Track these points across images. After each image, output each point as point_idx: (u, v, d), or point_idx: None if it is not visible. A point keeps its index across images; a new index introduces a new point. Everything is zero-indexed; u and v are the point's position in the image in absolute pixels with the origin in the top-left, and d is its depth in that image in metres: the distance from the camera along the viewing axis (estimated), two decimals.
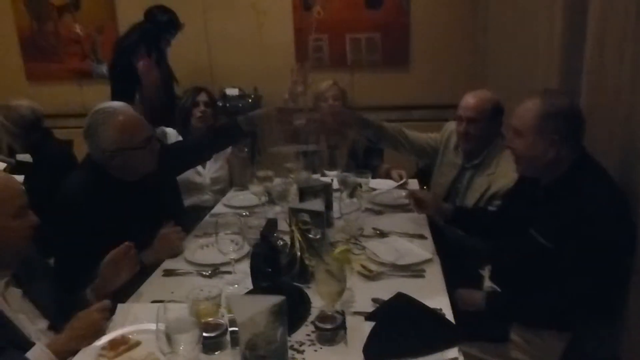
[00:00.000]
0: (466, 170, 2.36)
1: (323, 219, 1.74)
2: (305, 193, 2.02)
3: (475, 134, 2.23)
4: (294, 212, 1.71)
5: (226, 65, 4.20)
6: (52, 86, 4.36)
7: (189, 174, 2.63)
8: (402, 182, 2.69)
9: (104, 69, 4.19)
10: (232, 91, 4.03)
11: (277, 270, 1.47)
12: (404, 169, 2.84)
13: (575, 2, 2.09)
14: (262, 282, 1.42)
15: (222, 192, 2.76)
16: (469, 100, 2.23)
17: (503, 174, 2.15)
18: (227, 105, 3.96)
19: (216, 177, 2.81)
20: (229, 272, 1.72)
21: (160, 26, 3.42)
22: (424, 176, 2.78)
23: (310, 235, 1.63)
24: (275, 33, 4.13)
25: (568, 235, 1.52)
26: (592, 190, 1.53)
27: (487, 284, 1.86)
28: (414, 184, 2.69)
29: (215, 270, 1.74)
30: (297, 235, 1.60)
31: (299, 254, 1.58)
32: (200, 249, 1.93)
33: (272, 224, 1.53)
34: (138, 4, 3.58)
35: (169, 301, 1.45)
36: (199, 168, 2.74)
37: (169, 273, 1.74)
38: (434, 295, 1.52)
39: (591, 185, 1.55)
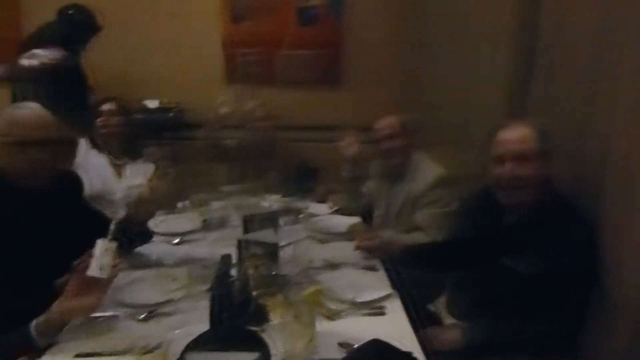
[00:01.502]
0: (392, 185, 2.45)
1: (277, 252, 1.58)
2: (250, 222, 1.84)
3: (396, 148, 2.35)
4: (244, 245, 1.54)
5: (147, 75, 3.89)
6: None
7: (99, 187, 2.43)
8: (335, 208, 2.61)
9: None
10: (152, 103, 3.73)
11: (233, 314, 1.29)
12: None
13: (523, 30, 2.15)
14: (223, 328, 1.23)
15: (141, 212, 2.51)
16: (384, 122, 2.40)
17: (420, 178, 2.30)
18: (147, 118, 3.66)
19: (130, 193, 2.52)
20: (167, 314, 1.49)
21: (75, 27, 3.09)
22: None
23: (265, 272, 1.47)
24: (202, 45, 3.91)
25: (544, 260, 1.49)
26: (564, 215, 1.54)
27: (447, 320, 1.80)
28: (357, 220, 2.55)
29: (152, 313, 1.50)
30: (251, 271, 1.43)
31: (254, 293, 1.41)
32: (128, 285, 1.67)
33: (227, 260, 1.35)
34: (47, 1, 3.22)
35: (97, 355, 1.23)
36: (112, 181, 2.52)
37: (89, 320, 1.47)
38: (400, 335, 1.40)
39: (562, 210, 1.56)
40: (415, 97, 3.64)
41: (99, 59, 3.40)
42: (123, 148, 2.60)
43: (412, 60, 3.79)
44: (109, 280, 1.40)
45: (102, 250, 1.34)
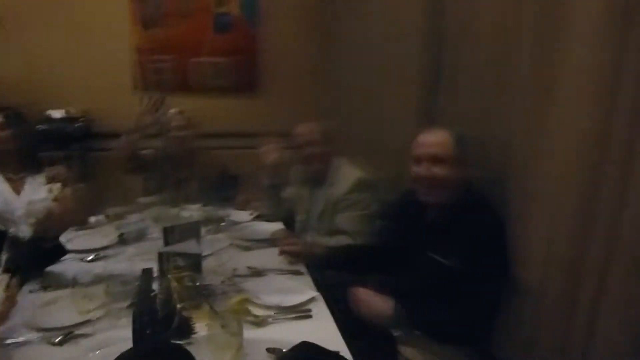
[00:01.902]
0: (313, 191, 2.49)
1: (200, 263, 1.56)
2: (171, 233, 1.79)
3: (316, 154, 2.39)
4: (166, 257, 1.50)
5: (50, 84, 3.66)
6: None
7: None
8: (255, 215, 2.62)
9: None
10: (57, 113, 3.51)
11: (157, 329, 1.26)
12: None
13: (432, 36, 2.28)
14: (146, 344, 1.19)
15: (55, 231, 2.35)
16: (303, 128, 2.43)
17: (340, 182, 2.35)
18: (52, 129, 3.44)
19: (32, 209, 2.33)
20: (85, 335, 1.42)
21: None
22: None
23: (190, 283, 1.44)
24: (110, 51, 3.74)
25: (466, 252, 1.62)
26: (481, 212, 1.68)
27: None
28: (279, 226, 2.55)
29: (68, 335, 1.42)
30: (174, 283, 1.40)
31: (178, 305, 1.38)
32: (41, 307, 1.56)
33: (148, 274, 1.31)
34: None
35: None
36: (10, 197, 2.32)
37: (4, 344, 1.36)
38: (327, 336, 1.44)
39: (478, 207, 1.70)
40: (330, 104, 3.73)
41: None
42: (20, 162, 2.39)
43: (326, 67, 3.87)
44: (3, 313, 1.28)
45: None
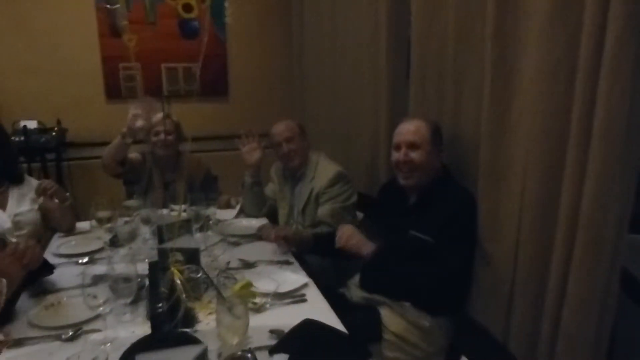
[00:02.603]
0: (294, 185, 2.59)
1: (198, 256, 1.64)
2: (165, 231, 1.87)
3: (294, 150, 2.49)
4: (166, 252, 1.57)
5: (20, 94, 3.64)
6: None
7: None
8: (237, 208, 2.71)
9: None
10: (30, 123, 3.50)
11: (165, 319, 1.34)
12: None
13: (397, 34, 2.42)
14: (163, 330, 1.28)
15: (34, 238, 2.35)
16: (279, 126, 2.53)
17: (320, 176, 2.46)
18: (26, 139, 3.42)
19: (19, 220, 2.29)
20: (94, 331, 1.49)
21: None
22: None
23: (192, 275, 1.52)
24: (79, 60, 3.75)
25: (444, 228, 1.79)
26: (456, 193, 1.88)
27: (359, 294, 1.98)
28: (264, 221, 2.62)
29: (78, 331, 1.48)
30: (178, 276, 1.48)
31: (183, 296, 1.46)
32: (45, 309, 1.62)
33: (156, 266, 1.39)
34: None
35: None
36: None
37: (15, 344, 1.42)
38: (322, 317, 1.55)
39: (454, 189, 1.90)
40: (300, 103, 3.83)
41: None
42: (1, 174, 2.31)
43: (293, 68, 3.99)
44: None
45: None
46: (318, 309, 1.63)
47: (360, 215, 2.47)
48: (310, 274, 1.94)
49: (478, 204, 1.81)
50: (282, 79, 4.12)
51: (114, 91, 3.90)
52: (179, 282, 1.47)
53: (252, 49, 4.12)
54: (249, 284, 1.46)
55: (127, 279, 1.59)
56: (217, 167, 3.08)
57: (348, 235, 1.94)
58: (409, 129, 1.94)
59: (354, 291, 2.00)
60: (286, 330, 1.44)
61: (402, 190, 2.01)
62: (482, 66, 1.75)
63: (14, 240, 2.22)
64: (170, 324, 1.34)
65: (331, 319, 1.55)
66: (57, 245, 2.22)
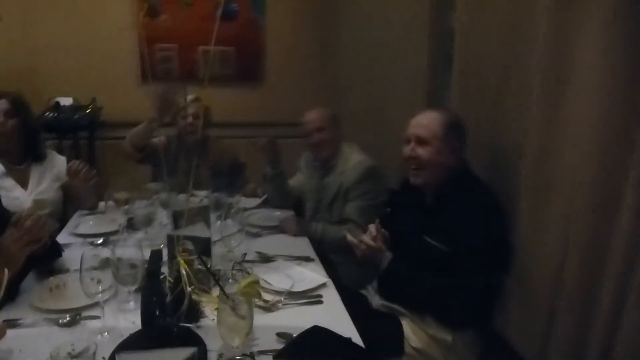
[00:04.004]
0: (323, 177, 2.46)
1: (209, 246, 1.54)
2: (180, 217, 1.77)
3: (325, 140, 2.37)
4: (175, 240, 1.47)
5: (57, 71, 3.64)
6: None
7: (3, 199, 1.97)
8: (263, 198, 2.60)
9: None
10: (65, 101, 3.49)
11: (165, 311, 1.23)
12: None
13: (441, 24, 2.24)
14: (154, 327, 1.17)
15: (54, 216, 2.32)
16: (311, 114, 2.41)
17: (351, 170, 2.31)
18: (60, 116, 3.42)
19: (41, 199, 2.29)
20: (93, 317, 1.41)
21: None
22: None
23: (199, 266, 1.42)
24: (117, 40, 3.71)
25: (460, 237, 1.59)
26: (477, 197, 1.66)
27: (377, 301, 1.83)
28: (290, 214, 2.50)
29: (76, 317, 1.40)
30: (183, 266, 1.38)
31: (187, 289, 1.36)
32: (49, 291, 1.55)
33: (157, 256, 1.29)
34: None
35: None
36: (16, 191, 2.23)
37: (12, 324, 1.35)
38: (338, 322, 1.42)
39: (475, 193, 1.68)
40: (336, 92, 3.69)
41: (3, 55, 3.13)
42: (25, 150, 2.29)
43: (331, 55, 3.84)
44: None
45: None
46: (334, 312, 1.51)
47: (388, 210, 2.31)
48: (331, 272, 1.82)
49: (517, 217, 1.61)
50: (320, 67, 3.97)
51: (150, 72, 3.84)
52: (184, 272, 1.37)
53: (290, 35, 3.99)
54: (255, 282, 1.34)
55: (133, 265, 1.50)
56: (247, 155, 2.97)
57: (363, 249, 1.76)
58: (420, 121, 1.74)
59: (375, 296, 1.85)
60: (295, 334, 1.32)
61: (418, 189, 1.82)
62: (532, 57, 1.56)
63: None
64: (164, 318, 1.23)
65: (347, 326, 1.42)
66: (75, 225, 2.17)
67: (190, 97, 2.67)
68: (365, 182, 2.27)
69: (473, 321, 1.66)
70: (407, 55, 2.51)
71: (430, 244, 1.68)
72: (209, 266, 1.46)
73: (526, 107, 1.59)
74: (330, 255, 2.16)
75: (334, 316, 1.48)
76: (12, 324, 1.35)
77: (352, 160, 2.34)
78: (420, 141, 1.71)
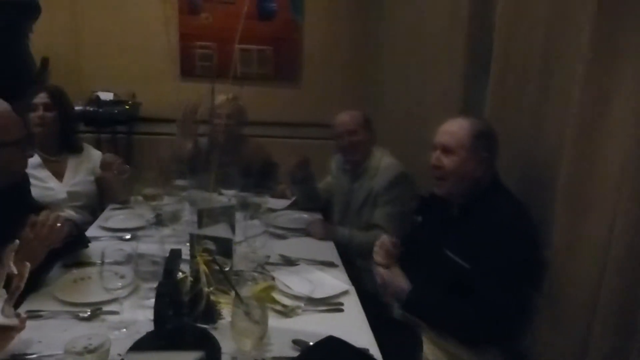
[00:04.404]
0: (352, 181, 2.41)
1: (230, 247, 1.52)
2: (204, 216, 1.77)
3: (356, 143, 2.31)
4: (196, 239, 1.46)
5: (99, 67, 3.73)
6: None
7: (38, 190, 2.11)
8: (292, 200, 2.57)
9: None
10: (106, 95, 3.58)
11: (180, 311, 1.22)
12: None
13: (478, 28, 2.15)
14: (169, 326, 1.16)
15: (87, 209, 2.36)
16: (343, 116, 2.37)
17: (382, 175, 2.27)
18: (100, 110, 3.50)
19: (75, 191, 2.31)
20: (113, 313, 1.41)
21: (18, 11, 2.90)
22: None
23: (217, 267, 1.40)
24: (158, 36, 3.76)
25: (484, 253, 1.51)
26: (505, 211, 1.57)
27: (399, 311, 1.78)
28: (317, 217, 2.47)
29: (96, 311, 1.41)
30: (202, 266, 1.36)
31: (205, 289, 1.34)
32: (73, 283, 1.57)
33: (176, 255, 1.28)
34: None
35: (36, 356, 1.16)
36: (51, 182, 2.26)
37: (33, 315, 1.37)
38: (357, 332, 1.39)
39: (504, 207, 1.59)
40: (372, 94, 3.64)
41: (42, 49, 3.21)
42: (61, 143, 2.32)
43: (368, 57, 3.79)
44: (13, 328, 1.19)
45: None
46: (354, 321, 1.47)
47: (419, 219, 2.24)
48: (355, 277, 1.78)
49: (551, 233, 1.51)
50: (357, 69, 3.93)
51: (189, 69, 3.90)
52: (202, 272, 1.36)
53: (328, 35, 3.95)
54: (270, 288, 1.31)
55: (154, 262, 1.51)
56: (282, 155, 2.95)
57: (384, 276, 1.71)
58: (447, 129, 1.67)
59: (397, 306, 1.79)
60: (311, 342, 1.28)
61: (445, 200, 1.74)
62: (576, 57, 1.46)
63: (68, 211, 2.24)
64: (179, 318, 1.21)
65: (366, 336, 1.37)
66: (106, 218, 2.20)
67: (224, 97, 2.67)
68: (395, 187, 2.22)
69: (498, 342, 1.57)
70: (443, 60, 2.43)
71: (450, 259, 1.61)
72: (227, 268, 1.43)
73: (566, 117, 1.50)
74: (357, 261, 2.12)
75: (354, 325, 1.44)
76: (34, 314, 1.37)
77: (383, 164, 2.29)
78: (446, 150, 1.64)
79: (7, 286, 1.17)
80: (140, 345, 1.16)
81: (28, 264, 1.19)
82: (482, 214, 1.59)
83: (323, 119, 3.93)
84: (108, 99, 3.59)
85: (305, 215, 2.36)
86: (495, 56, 1.96)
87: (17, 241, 1.19)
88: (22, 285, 1.18)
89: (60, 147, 2.32)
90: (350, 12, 3.93)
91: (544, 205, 1.59)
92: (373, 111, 2.88)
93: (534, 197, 1.66)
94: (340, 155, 2.46)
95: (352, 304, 1.56)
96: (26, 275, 1.19)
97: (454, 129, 1.65)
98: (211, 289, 1.36)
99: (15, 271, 1.16)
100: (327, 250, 2.01)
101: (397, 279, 1.69)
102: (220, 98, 2.71)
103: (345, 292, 1.61)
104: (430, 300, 1.62)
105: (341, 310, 1.52)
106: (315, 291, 1.57)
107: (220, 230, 1.59)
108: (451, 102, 2.32)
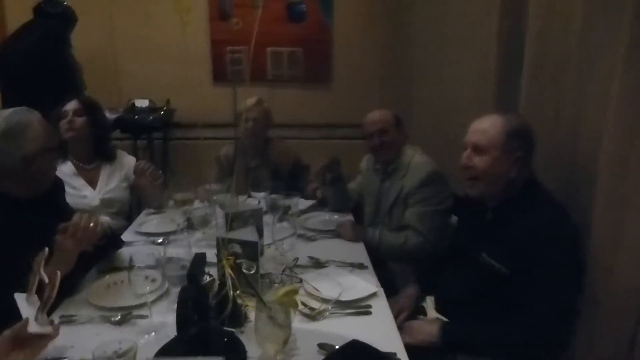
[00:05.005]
0: (383, 181, 2.38)
1: (257, 251, 1.52)
2: (233, 219, 1.78)
3: (387, 142, 2.28)
4: (223, 243, 1.47)
5: (135, 73, 3.83)
6: None
7: (72, 198, 2.10)
8: (317, 200, 2.56)
9: None
10: (141, 102, 3.67)
11: (206, 315, 1.23)
12: None
13: (510, 25, 2.08)
14: (191, 330, 1.17)
15: (121, 215, 2.41)
16: (373, 116, 2.34)
17: (413, 174, 2.22)
18: (136, 117, 3.59)
19: (109, 198, 2.34)
20: (143, 317, 1.43)
21: (54, 21, 3.04)
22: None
23: (244, 270, 1.40)
24: (190, 43, 3.83)
25: (523, 258, 1.45)
26: (544, 214, 1.49)
27: (432, 314, 1.74)
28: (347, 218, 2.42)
29: (127, 316, 1.44)
30: (227, 270, 1.37)
31: (231, 292, 1.35)
32: (106, 288, 1.61)
33: (200, 259, 1.29)
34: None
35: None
36: (85, 190, 2.29)
37: (66, 320, 1.41)
38: (384, 335, 1.36)
39: (542, 208, 1.51)
40: (403, 94, 3.59)
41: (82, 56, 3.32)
42: (93, 151, 2.35)
43: (399, 58, 3.75)
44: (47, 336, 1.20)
45: (26, 306, 1.18)
46: (382, 324, 1.44)
47: (455, 219, 2.17)
48: (388, 280, 1.75)
49: (592, 238, 1.44)
50: (388, 69, 3.88)
51: (221, 74, 3.95)
52: (228, 276, 1.36)
53: (359, 35, 3.93)
54: (294, 292, 1.30)
55: (183, 266, 1.52)
56: (313, 157, 2.94)
57: (409, 330, 1.60)
58: (479, 127, 1.59)
59: (431, 311, 1.75)
60: (337, 345, 1.26)
61: (479, 200, 1.66)
62: (616, 49, 1.38)
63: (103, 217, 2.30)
64: (204, 322, 1.22)
65: (394, 340, 1.34)
66: (140, 223, 2.25)
67: (251, 101, 2.68)
68: (427, 186, 2.17)
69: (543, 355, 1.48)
70: (475, 56, 2.37)
71: (488, 263, 1.54)
72: (254, 271, 1.43)
73: (604, 113, 1.42)
74: (389, 263, 2.09)
75: (382, 328, 1.41)
76: (67, 319, 1.40)
77: (414, 163, 2.24)
78: (477, 149, 1.57)
79: (40, 294, 1.21)
80: (165, 351, 1.17)
81: (59, 273, 1.21)
82: (519, 216, 1.51)
83: (354, 119, 3.92)
84: (143, 106, 3.67)
85: (335, 217, 2.33)
86: (528, 48, 1.89)
87: (47, 249, 1.22)
88: (54, 294, 1.21)
89: (94, 154, 2.36)
90: (380, 12, 3.89)
91: (582, 206, 1.52)
92: (405, 110, 2.84)
93: (573, 198, 1.58)
94: (371, 154, 2.43)
95: (381, 307, 1.53)
96: (57, 283, 1.22)
97: (485, 126, 1.57)
98: (237, 292, 1.37)
99: (46, 280, 1.18)
100: (357, 251, 1.98)
101: (422, 328, 1.60)
102: (247, 101, 2.72)
103: (373, 294, 1.58)
104: (469, 331, 1.53)
105: (369, 313, 1.49)
106: (343, 294, 1.55)
107: (247, 233, 1.60)
108: (484, 99, 2.26)
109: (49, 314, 1.26)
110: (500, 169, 1.54)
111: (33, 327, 1.14)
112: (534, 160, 1.62)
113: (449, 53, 2.77)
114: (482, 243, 1.59)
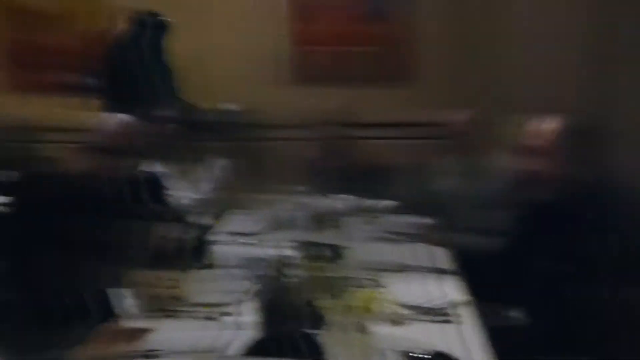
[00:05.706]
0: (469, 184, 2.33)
1: (339, 253, 1.53)
2: (317, 221, 1.80)
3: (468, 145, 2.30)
4: (305, 245, 1.49)
5: (222, 78, 3.97)
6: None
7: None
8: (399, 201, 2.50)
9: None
10: (228, 106, 3.80)
11: (290, 317, 1.25)
12: None
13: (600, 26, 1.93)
14: (273, 331, 1.19)
15: (212, 216, 2.50)
16: (459, 117, 2.36)
17: (495, 177, 2.16)
18: (223, 121, 3.73)
19: (200, 199, 2.46)
20: (229, 314, 1.48)
21: (153, 29, 3.25)
22: None
23: (326, 273, 1.41)
24: (271, 45, 3.93)
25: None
26: (605, 216, 1.46)
27: None
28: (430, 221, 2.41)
29: (217, 313, 1.48)
30: (309, 272, 1.38)
31: (311, 295, 1.36)
32: (199, 284, 1.68)
33: (282, 261, 1.31)
34: None
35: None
36: (177, 192, 2.38)
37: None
38: (470, 346, 1.30)
39: (609, 210, 1.46)
40: (485, 93, 3.44)
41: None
42: (186, 154, 2.50)
43: (481, 56, 3.63)
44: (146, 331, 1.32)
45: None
46: (467, 335, 1.37)
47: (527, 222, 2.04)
48: (472, 287, 1.67)
49: None
50: (472, 67, 3.73)
51: (302, 75, 3.98)
52: (309, 278, 1.37)
53: (443, 31, 3.80)
54: (372, 297, 1.28)
55: (268, 266, 1.56)
56: (397, 156, 2.91)
57: None
58: (534, 129, 1.57)
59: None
60: (420, 354, 1.23)
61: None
62: None
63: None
64: (292, 323, 1.24)
65: (480, 353, 1.28)
66: (228, 223, 2.33)
67: (335, 101, 2.70)
68: (511, 189, 2.06)
69: None
70: (557, 55, 2.24)
71: (559, 267, 1.49)
72: (335, 274, 1.43)
73: None
74: (474, 269, 2.00)
75: (468, 339, 1.35)
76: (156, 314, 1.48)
77: (498, 166, 2.16)
78: (532, 151, 1.54)
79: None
80: (251, 351, 1.21)
81: None
82: (589, 220, 1.45)
83: (438, 118, 3.82)
84: (231, 109, 3.80)
85: (419, 220, 2.28)
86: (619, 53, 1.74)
87: None
88: None
89: (186, 158, 2.49)
90: (461, 7, 3.76)
91: None
92: (489, 109, 2.73)
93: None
94: (454, 156, 2.37)
95: (467, 315, 1.47)
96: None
97: (541, 128, 1.53)
98: (317, 295, 1.38)
99: None
100: (442, 256, 1.92)
101: None
102: (331, 102, 2.75)
103: (459, 302, 1.53)
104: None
105: (453, 322, 1.44)
106: (426, 300, 1.51)
107: (329, 236, 1.61)
108: (562, 98, 2.14)
109: None
110: (564, 170, 1.51)
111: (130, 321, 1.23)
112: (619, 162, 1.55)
113: (530, 50, 2.64)
114: (553, 246, 1.55)
